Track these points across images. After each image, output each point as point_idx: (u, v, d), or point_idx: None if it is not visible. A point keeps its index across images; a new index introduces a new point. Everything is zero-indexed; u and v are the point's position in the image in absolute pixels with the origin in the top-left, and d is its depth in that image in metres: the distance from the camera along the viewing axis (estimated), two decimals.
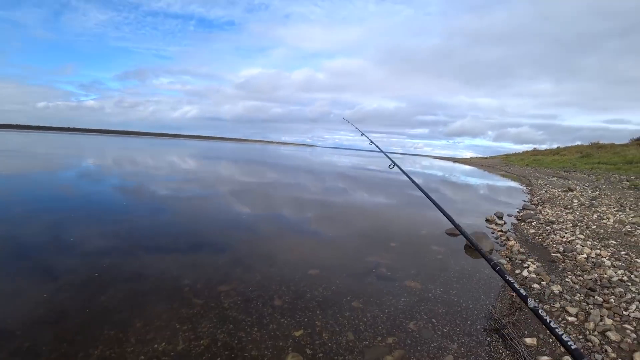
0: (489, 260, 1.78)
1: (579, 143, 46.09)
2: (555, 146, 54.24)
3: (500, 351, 3.22)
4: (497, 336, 3.46)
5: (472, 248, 6.16)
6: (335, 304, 3.90)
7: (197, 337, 3.16)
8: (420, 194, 3.53)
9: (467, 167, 48.11)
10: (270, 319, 3.50)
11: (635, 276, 4.57)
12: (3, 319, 3.37)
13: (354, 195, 12.80)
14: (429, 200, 3.26)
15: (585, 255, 5.47)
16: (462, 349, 3.26)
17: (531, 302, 1.45)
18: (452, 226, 7.37)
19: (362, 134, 7.50)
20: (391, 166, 5.38)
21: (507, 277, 1.64)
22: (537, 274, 4.86)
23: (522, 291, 1.52)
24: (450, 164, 60.77)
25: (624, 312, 3.69)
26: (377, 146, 6.77)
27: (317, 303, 3.89)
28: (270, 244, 6.02)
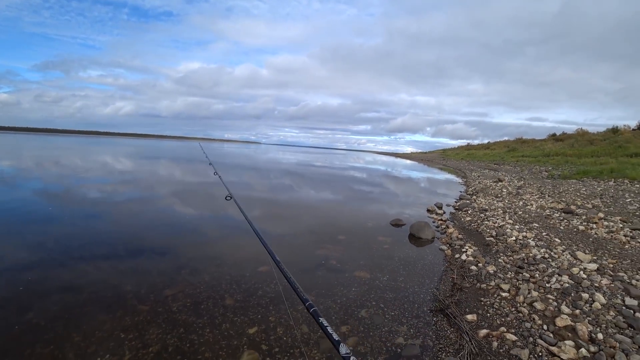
0: (304, 301, 1.59)
1: (506, 138, 51.31)
2: (486, 141, 59.18)
3: (446, 329, 3.43)
4: (442, 316, 3.68)
5: (415, 237, 6.50)
6: (287, 298, 3.88)
7: (145, 344, 3.00)
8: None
9: (408, 161, 50.44)
10: (222, 319, 3.42)
11: (555, 253, 5.10)
12: None
13: (300, 191, 12.84)
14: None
15: (514, 238, 6.00)
16: (411, 330, 3.42)
17: (343, 349, 1.28)
18: (397, 217, 7.65)
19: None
20: (228, 198, 5.26)
21: (321, 319, 1.46)
22: (474, 257, 5.25)
23: (335, 336, 1.34)
24: (392, 159, 63.32)
25: (547, 285, 4.11)
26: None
27: (270, 299, 3.87)
28: (217, 245, 5.87)
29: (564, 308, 3.54)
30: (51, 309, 3.56)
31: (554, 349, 2.89)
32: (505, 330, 3.28)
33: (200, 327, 3.26)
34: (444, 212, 9.06)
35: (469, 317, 3.58)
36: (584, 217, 7.22)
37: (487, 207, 8.94)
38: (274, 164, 29.72)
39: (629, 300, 3.57)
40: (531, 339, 3.11)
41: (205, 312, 3.52)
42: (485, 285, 4.29)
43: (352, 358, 1.25)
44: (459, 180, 19.18)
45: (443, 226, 7.45)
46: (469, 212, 8.73)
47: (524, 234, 6.18)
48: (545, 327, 3.28)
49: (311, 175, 19.93)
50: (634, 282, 4.00)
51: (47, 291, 3.95)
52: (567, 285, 4.01)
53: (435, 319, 3.65)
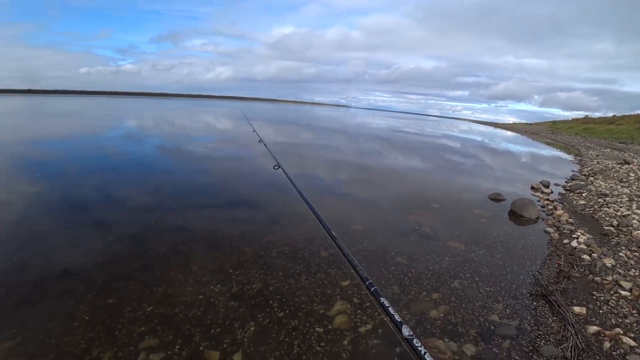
0: (363, 280, 1.50)
1: (639, 112, 42.18)
2: (610, 114, 50.00)
3: (547, 316, 3.19)
4: (543, 302, 3.42)
5: (517, 214, 6.02)
6: (379, 258, 3.97)
7: (250, 281, 3.34)
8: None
9: (509, 133, 46.01)
10: (317, 269, 3.64)
11: None
12: (75, 260, 3.73)
13: (390, 157, 12.71)
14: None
15: None
16: (507, 310, 3.26)
17: (405, 331, 1.22)
18: (496, 191, 7.15)
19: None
20: (276, 167, 5.16)
21: (382, 299, 1.40)
22: (588, 246, 4.68)
23: (397, 317, 1.29)
24: (490, 129, 58.20)
25: None
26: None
27: (363, 256, 3.98)
28: (312, 202, 6.09)
29: None
30: (175, 242, 4.16)
31: None
32: (622, 332, 2.92)
33: (297, 274, 3.52)
34: (552, 192, 8.19)
35: (577, 309, 3.27)
36: None
37: (607, 192, 7.85)
38: (363, 128, 29.50)
39: None
40: None
41: (301, 261, 3.78)
42: (599, 278, 3.85)
43: (415, 340, 1.19)
44: (570, 158, 17.01)
45: (550, 207, 6.76)
46: (583, 194, 7.77)
47: None
48: None
49: (401, 141, 19.44)
50: None
51: (169, 228, 4.66)
52: None
53: (535, 303, 3.41)
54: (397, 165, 11.01)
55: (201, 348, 2.55)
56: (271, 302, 3.05)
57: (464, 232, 5.02)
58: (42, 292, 3.20)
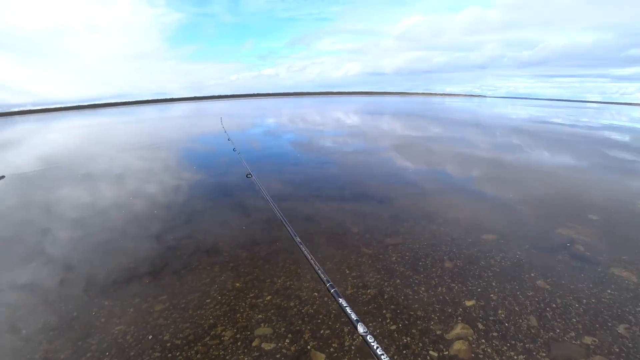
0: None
1: None
2: None
3: None
4: None
5: None
6: (515, 278, 3.42)
7: (365, 285, 3.25)
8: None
9: None
10: (439, 281, 3.32)
11: None
12: (217, 241, 4.21)
13: (532, 152, 10.79)
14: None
15: None
16: None
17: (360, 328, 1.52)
18: None
19: None
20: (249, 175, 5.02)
21: (340, 300, 1.73)
22: None
23: (353, 316, 1.60)
24: None
25: None
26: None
27: (493, 273, 3.48)
28: (438, 202, 5.70)
29: None
30: (299, 233, 4.32)
31: None
32: None
33: (416, 284, 3.27)
34: None
35: None
36: None
37: None
38: (499, 119, 26.05)
39: None
40: None
41: (422, 270, 3.50)
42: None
43: (368, 336, 1.46)
44: None
45: None
46: None
47: None
48: None
49: (547, 134, 16.30)
50: None
51: (298, 217, 4.96)
52: None
53: None
54: (541, 162, 9.27)
55: (309, 347, 2.58)
56: (384, 311, 2.90)
57: (638, 259, 3.96)
58: (190, 266, 3.78)
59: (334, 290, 1.90)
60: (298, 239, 2.73)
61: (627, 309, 3.02)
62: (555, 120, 25.50)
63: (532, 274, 3.49)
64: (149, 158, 10.74)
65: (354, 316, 1.61)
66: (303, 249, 2.50)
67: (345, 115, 26.15)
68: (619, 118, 34.01)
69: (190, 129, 20.23)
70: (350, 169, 7.91)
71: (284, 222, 3.02)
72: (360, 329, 1.53)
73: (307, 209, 5.33)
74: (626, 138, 16.08)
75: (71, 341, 2.79)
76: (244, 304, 3.07)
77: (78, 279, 3.71)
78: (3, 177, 8.95)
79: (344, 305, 1.71)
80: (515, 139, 13.91)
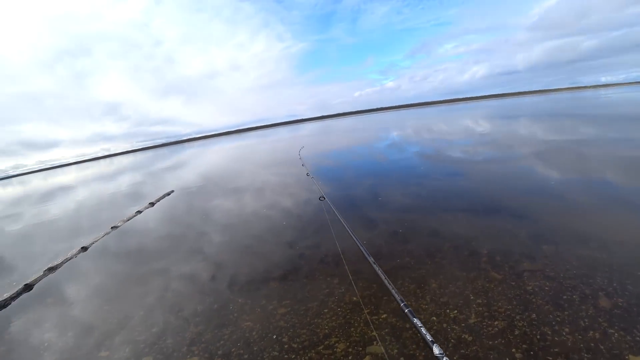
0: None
1: None
2: None
3: None
4: None
5: None
6: None
7: (492, 316, 2.88)
8: None
9: None
10: (590, 323, 2.69)
11: None
12: (335, 254, 4.38)
13: None
14: None
15: None
16: None
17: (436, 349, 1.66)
18: None
19: None
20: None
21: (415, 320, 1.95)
22: None
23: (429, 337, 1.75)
24: None
25: None
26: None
27: None
28: (593, 220, 4.58)
29: None
30: (426, 248, 4.22)
31: None
32: None
33: (558, 322, 2.73)
34: None
35: None
36: None
37: None
38: None
39: None
40: None
41: (567, 306, 2.90)
42: None
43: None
44: None
45: None
46: None
47: None
48: None
49: None
50: None
51: (425, 231, 4.79)
52: None
53: None
54: None
55: None
56: (513, 350, 2.52)
57: None
58: (311, 274, 4.03)
59: (409, 310, 1.81)
60: (371, 259, 2.64)
61: None
62: None
63: None
64: (281, 173, 12.02)
65: (429, 337, 1.55)
66: (376, 268, 2.41)
67: (474, 123, 23.65)
68: None
69: (317, 146, 21.55)
70: (481, 181, 7.09)
71: (356, 241, 2.91)
72: (436, 350, 1.51)
73: (431, 223, 5.04)
74: None
75: (210, 328, 3.32)
76: (359, 319, 3.08)
77: (223, 276, 4.42)
78: (172, 191, 11.33)
79: (419, 325, 1.64)
80: None
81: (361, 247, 4.30)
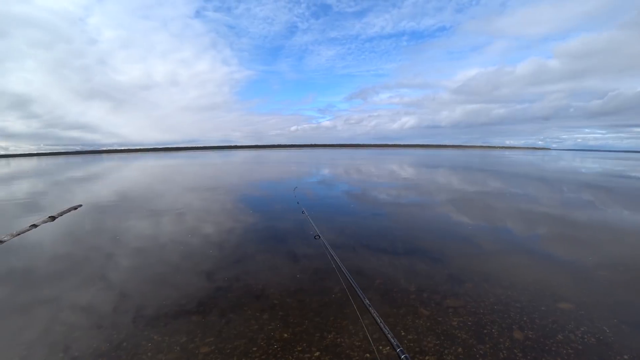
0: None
1: None
2: None
3: None
4: None
5: None
6: (602, 359, 2.91)
7: (422, 350, 2.95)
8: None
9: None
10: (508, 354, 2.91)
11: None
12: (267, 287, 4.16)
13: (611, 211, 9.44)
14: None
15: None
16: None
17: None
18: None
19: None
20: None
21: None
22: None
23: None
24: None
25: None
26: None
27: (575, 351, 2.99)
28: (502, 262, 5.17)
29: None
30: (350, 287, 4.15)
31: None
32: None
33: (481, 355, 2.90)
34: None
35: None
36: None
37: None
38: (568, 173, 23.58)
39: None
40: None
41: (488, 339, 3.11)
42: None
43: None
44: None
45: None
46: None
47: None
48: None
49: (626, 190, 14.14)
50: None
51: (348, 269, 4.72)
52: None
53: None
54: (623, 222, 7.95)
55: None
56: None
57: None
58: (238, 308, 3.72)
59: (405, 357, 1.78)
60: (367, 301, 2.64)
61: None
62: (635, 174, 22.96)
63: (625, 357, 2.95)
64: (209, 199, 11.41)
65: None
66: (372, 312, 2.38)
67: (400, 168, 25.84)
68: None
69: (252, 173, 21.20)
70: (404, 223, 7.59)
71: (351, 281, 2.89)
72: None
73: (357, 261, 5.10)
74: None
75: None
76: (291, 358, 2.90)
77: (131, 308, 3.82)
78: (80, 205, 9.91)
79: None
80: (588, 195, 12.44)
81: (352, 282, 4.16)
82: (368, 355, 2.89)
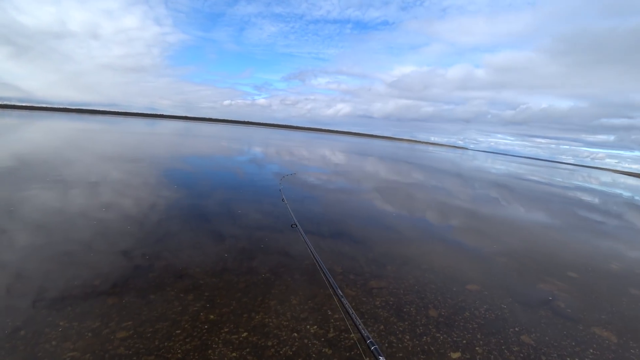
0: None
1: None
2: None
3: None
4: None
5: None
6: (499, 331, 3.34)
7: (348, 329, 3.07)
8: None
9: None
10: (424, 330, 3.19)
11: None
12: (192, 266, 3.98)
13: (510, 207, 11.08)
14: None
15: None
16: None
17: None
18: None
19: None
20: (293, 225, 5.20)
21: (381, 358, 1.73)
22: None
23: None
24: None
25: None
26: None
27: (478, 325, 3.39)
28: (421, 248, 5.65)
29: None
30: (278, 268, 4.17)
31: None
32: None
33: (401, 332, 3.12)
34: None
35: None
36: None
37: None
38: (481, 172, 27.07)
39: None
40: None
41: (407, 317, 3.37)
42: None
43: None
44: None
45: None
46: None
47: None
48: None
49: (524, 190, 17.02)
50: None
51: (275, 251, 4.78)
52: None
53: None
54: (519, 217, 9.48)
55: None
56: (367, 359, 2.72)
57: (616, 318, 3.96)
58: (160, 289, 3.48)
59: (374, 348, 1.80)
60: (340, 292, 2.64)
61: None
62: (533, 178, 26.69)
63: (517, 328, 3.42)
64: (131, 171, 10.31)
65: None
66: (344, 302, 2.39)
67: (332, 154, 26.45)
68: (590, 181, 35.97)
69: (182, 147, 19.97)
70: (332, 207, 7.82)
71: (322, 269, 2.85)
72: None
73: (285, 243, 5.13)
74: (596, 200, 16.93)
75: None
76: (217, 340, 2.82)
77: (30, 291, 3.31)
78: None
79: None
80: (494, 192, 14.35)
81: (323, 271, 4.04)
82: (296, 334, 2.94)
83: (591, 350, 3.24)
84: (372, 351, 1.75)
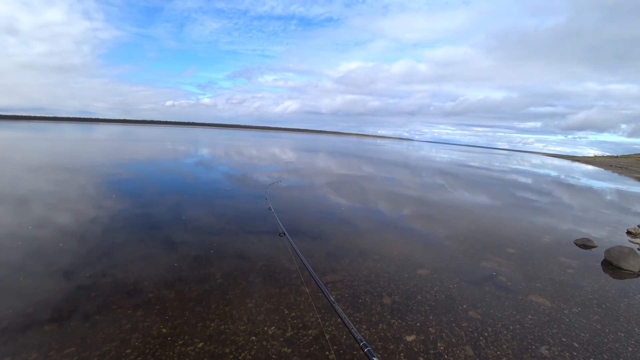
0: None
1: None
2: None
3: None
4: None
5: (613, 265, 5.17)
6: (449, 310, 3.53)
7: (305, 326, 3.10)
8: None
9: (589, 167, 42.02)
10: (379, 318, 3.29)
11: None
12: (140, 280, 3.76)
13: (455, 193, 11.87)
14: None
15: None
16: None
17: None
18: (584, 236, 6.30)
19: None
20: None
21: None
22: None
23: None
24: (567, 163, 53.69)
25: None
26: None
27: (430, 307, 3.56)
28: (373, 238, 5.81)
29: None
30: (232, 272, 4.09)
31: None
32: None
33: (357, 322, 3.20)
34: None
35: None
36: None
37: None
38: (426, 161, 28.53)
39: None
40: None
41: (362, 307, 3.46)
42: None
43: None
44: None
45: None
46: None
47: None
48: None
49: (467, 176, 18.32)
50: None
51: (229, 254, 4.66)
52: None
53: None
54: (463, 202, 10.17)
55: None
56: (327, 352, 2.76)
57: (548, 285, 4.36)
58: (106, 308, 3.26)
59: (368, 350, 1.84)
60: (332, 298, 2.60)
61: (546, 332, 3.30)
62: (473, 164, 28.55)
63: (465, 305, 3.63)
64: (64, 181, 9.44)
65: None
66: (336, 308, 2.37)
67: (282, 151, 26.32)
68: (523, 164, 39.11)
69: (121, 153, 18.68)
70: (285, 204, 7.80)
71: (312, 276, 2.79)
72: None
73: (239, 245, 5.03)
74: (529, 181, 18.43)
75: None
76: (171, 354, 2.71)
77: None
78: None
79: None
80: (440, 180, 15.17)
81: (315, 278, 3.87)
82: (254, 338, 2.90)
83: (529, 317, 3.54)
84: (365, 353, 1.81)
